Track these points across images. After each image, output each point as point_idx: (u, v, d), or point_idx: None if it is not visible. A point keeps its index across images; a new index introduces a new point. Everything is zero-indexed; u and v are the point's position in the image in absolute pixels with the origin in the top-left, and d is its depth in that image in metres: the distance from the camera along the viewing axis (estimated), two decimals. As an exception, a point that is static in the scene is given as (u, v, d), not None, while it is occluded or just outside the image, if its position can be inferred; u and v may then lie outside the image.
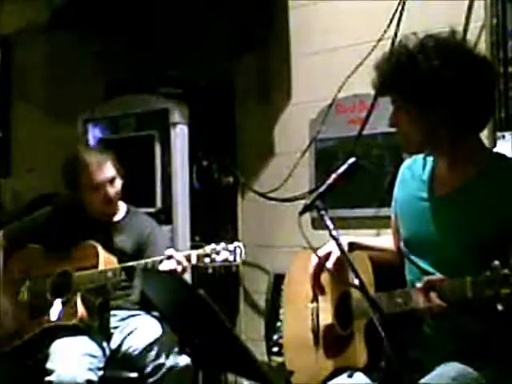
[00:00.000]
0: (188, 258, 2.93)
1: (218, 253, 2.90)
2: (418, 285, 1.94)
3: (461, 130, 2.05)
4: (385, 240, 2.42)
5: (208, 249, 2.92)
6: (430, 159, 2.19)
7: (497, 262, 1.73)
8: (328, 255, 2.25)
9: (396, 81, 2.04)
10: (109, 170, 3.28)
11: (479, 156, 2.08)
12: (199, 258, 2.92)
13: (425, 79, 1.98)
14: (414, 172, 2.23)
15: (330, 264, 2.24)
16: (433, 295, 1.90)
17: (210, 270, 2.93)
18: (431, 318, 1.95)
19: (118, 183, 3.31)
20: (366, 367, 2.15)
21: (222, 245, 2.92)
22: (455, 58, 1.99)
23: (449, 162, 2.10)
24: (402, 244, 2.22)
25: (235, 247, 2.92)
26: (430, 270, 2.06)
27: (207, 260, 2.91)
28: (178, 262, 2.89)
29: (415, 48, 2.02)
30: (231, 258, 2.91)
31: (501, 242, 1.95)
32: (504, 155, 2.15)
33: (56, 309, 3.13)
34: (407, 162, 2.27)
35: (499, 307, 1.72)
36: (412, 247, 2.17)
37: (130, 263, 3.06)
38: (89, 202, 3.29)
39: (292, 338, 2.53)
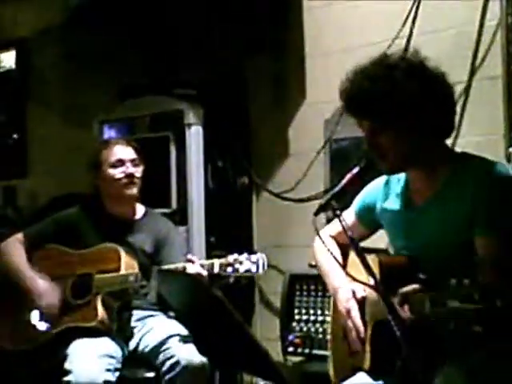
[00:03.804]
0: (211, 267, 2.94)
1: (240, 263, 2.91)
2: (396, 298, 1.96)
3: (434, 141, 2.11)
4: (336, 249, 2.44)
5: (231, 258, 2.94)
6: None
7: (453, 280, 1.73)
8: (353, 293, 2.27)
9: (374, 107, 2.05)
10: (132, 152, 3.36)
11: (448, 160, 2.14)
12: (222, 266, 2.94)
13: (402, 101, 2.02)
14: (391, 185, 2.29)
15: (360, 294, 2.25)
16: (405, 307, 1.92)
17: (232, 280, 2.94)
18: (404, 329, 1.94)
19: (140, 169, 3.35)
20: (371, 369, 2.16)
21: (245, 255, 2.93)
22: (423, 76, 2.06)
23: (423, 172, 2.16)
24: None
25: (258, 258, 2.93)
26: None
27: (230, 269, 2.92)
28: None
29: (385, 71, 2.05)
30: (254, 269, 2.92)
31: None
32: (470, 154, 2.18)
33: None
34: None
35: (451, 327, 1.72)
36: None
37: (150, 267, 3.08)
38: (110, 182, 3.30)
39: (332, 332, 2.54)
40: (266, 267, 2.94)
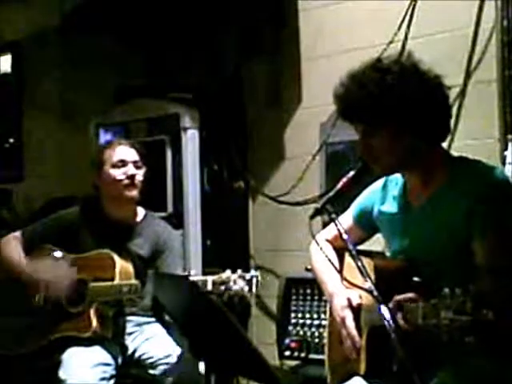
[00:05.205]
0: (203, 284, 2.92)
1: (234, 281, 2.88)
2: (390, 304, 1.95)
3: (429, 144, 2.11)
4: (332, 254, 2.44)
5: (224, 276, 2.89)
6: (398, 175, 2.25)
7: (446, 290, 1.73)
8: (349, 301, 2.25)
9: (366, 111, 2.06)
10: (135, 154, 3.32)
11: (445, 163, 2.15)
12: (215, 284, 2.91)
13: (394, 104, 2.03)
14: (388, 187, 2.30)
15: (355, 302, 2.24)
16: (399, 315, 1.91)
17: (225, 298, 2.91)
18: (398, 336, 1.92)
19: (141, 172, 3.31)
20: (367, 374, 2.15)
21: (239, 273, 2.88)
22: (417, 80, 2.06)
23: (419, 175, 2.16)
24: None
25: (252, 276, 2.88)
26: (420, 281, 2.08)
27: (222, 288, 2.89)
28: None
29: (377, 75, 2.05)
30: (246, 289, 2.89)
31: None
32: (467, 158, 2.18)
33: None
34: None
35: (444, 337, 1.71)
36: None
37: (146, 272, 3.07)
38: (111, 183, 3.26)
39: (329, 336, 2.52)
40: (259, 286, 2.89)
